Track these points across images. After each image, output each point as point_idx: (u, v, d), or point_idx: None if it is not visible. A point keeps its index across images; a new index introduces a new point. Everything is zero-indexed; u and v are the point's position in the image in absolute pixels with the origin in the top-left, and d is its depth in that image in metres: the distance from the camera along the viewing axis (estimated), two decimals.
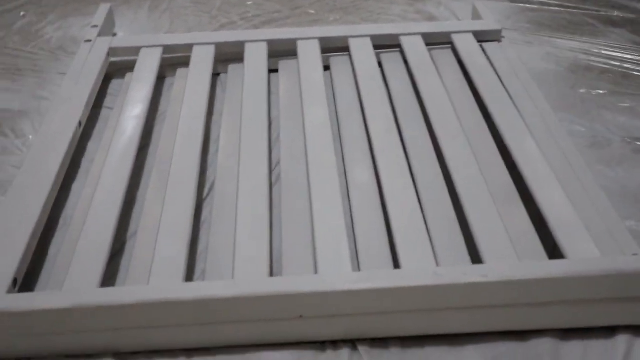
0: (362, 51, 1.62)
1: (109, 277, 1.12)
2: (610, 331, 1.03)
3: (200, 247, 1.19)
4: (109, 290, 1.00)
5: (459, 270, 0.99)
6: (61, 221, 1.26)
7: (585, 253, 1.04)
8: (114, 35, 1.86)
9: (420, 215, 1.13)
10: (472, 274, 0.98)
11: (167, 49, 1.65)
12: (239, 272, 1.03)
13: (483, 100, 1.44)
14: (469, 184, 1.19)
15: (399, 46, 1.67)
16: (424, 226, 1.11)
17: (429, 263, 1.03)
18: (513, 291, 0.98)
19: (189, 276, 1.12)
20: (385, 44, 1.68)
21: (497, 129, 1.35)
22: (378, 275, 0.99)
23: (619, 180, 1.34)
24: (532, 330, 1.03)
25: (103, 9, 1.82)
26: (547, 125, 1.35)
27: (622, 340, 1.02)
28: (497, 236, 1.08)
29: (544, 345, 1.01)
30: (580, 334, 1.03)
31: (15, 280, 1.03)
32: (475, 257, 1.08)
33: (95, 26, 1.73)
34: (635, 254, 1.04)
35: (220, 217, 1.21)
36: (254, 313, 0.97)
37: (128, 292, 0.98)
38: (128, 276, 1.09)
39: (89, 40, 1.67)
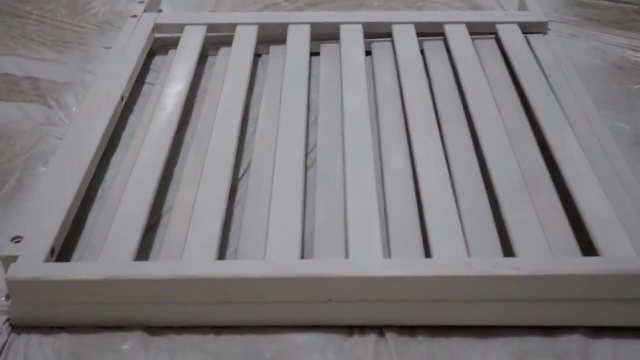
0: (405, 38, 1.61)
1: (144, 251, 1.14)
2: None
3: (234, 226, 1.20)
4: (142, 264, 1.02)
5: (490, 262, 0.98)
6: (99, 193, 1.28)
7: (621, 251, 1.02)
8: (160, 11, 1.88)
9: (454, 206, 1.12)
10: (504, 266, 0.98)
11: (211, 27, 1.66)
12: (271, 253, 1.04)
13: (525, 93, 1.42)
14: (505, 176, 1.18)
15: (442, 34, 1.65)
16: (457, 217, 1.10)
17: (461, 253, 1.03)
18: (544, 286, 0.97)
19: (222, 254, 1.13)
20: (428, 32, 1.66)
21: (537, 122, 1.33)
22: (408, 263, 0.99)
23: None
24: (562, 327, 1.02)
25: None
26: (589, 121, 1.33)
27: None
28: (531, 230, 1.07)
29: (573, 342, 1.00)
30: (611, 333, 1.02)
31: (53, 250, 1.05)
32: (508, 250, 1.07)
33: (142, 2, 1.75)
34: None
35: (255, 197, 1.22)
36: (283, 294, 0.98)
37: (161, 266, 1.01)
38: (162, 251, 1.11)
39: (135, 16, 1.69)
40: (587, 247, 1.09)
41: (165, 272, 0.98)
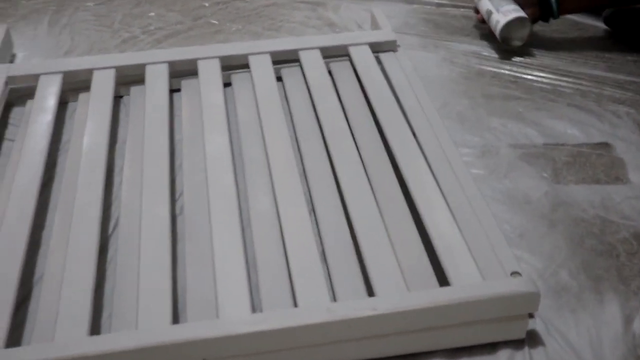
0: (262, 69, 1.65)
1: (17, 328, 1.13)
2: (492, 347, 1.12)
3: (107, 288, 1.21)
4: (11, 352, 1.01)
5: (351, 305, 1.05)
6: None
7: (468, 279, 1.11)
8: (13, 55, 1.84)
9: (317, 249, 1.17)
10: (363, 308, 1.04)
11: (66, 75, 1.64)
12: (142, 320, 1.06)
13: (377, 117, 1.49)
14: (363, 213, 1.24)
15: (298, 60, 1.70)
16: (319, 260, 1.15)
17: (324, 299, 1.09)
18: (402, 321, 1.05)
19: (96, 323, 1.13)
20: (285, 59, 1.71)
21: (390, 148, 1.40)
22: (273, 316, 1.04)
23: (505, 189, 1.42)
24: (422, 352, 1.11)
25: None
26: (439, 142, 1.41)
27: (503, 355, 1.11)
28: (389, 267, 1.13)
29: None
30: (467, 351, 1.11)
31: None
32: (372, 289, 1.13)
33: None
34: (514, 272, 1.12)
35: (125, 255, 1.23)
36: None
37: (32, 351, 1.01)
38: (35, 327, 1.10)
39: None
40: (443, 276, 1.17)
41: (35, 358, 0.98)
